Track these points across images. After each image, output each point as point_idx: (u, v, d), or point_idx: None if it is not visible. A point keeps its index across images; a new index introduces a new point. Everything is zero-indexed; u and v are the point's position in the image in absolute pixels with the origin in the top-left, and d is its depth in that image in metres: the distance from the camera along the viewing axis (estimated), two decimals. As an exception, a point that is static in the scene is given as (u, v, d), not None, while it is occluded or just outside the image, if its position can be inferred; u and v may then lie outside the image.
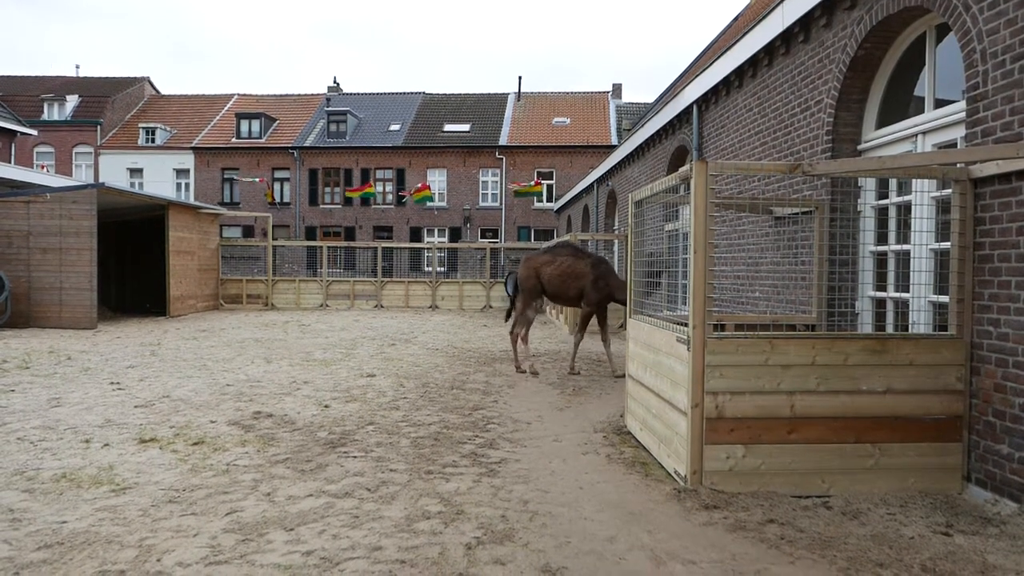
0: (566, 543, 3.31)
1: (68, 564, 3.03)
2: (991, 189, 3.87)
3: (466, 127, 36.00)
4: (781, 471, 4.01)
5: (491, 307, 21.26)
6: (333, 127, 36.03)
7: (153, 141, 36.81)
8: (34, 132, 26.99)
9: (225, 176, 35.69)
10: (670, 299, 7.03)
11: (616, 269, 6.37)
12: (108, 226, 17.54)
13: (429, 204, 32.54)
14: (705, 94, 8.82)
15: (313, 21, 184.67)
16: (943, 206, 4.54)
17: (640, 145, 13.07)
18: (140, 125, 37.32)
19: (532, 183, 26.14)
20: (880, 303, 5.35)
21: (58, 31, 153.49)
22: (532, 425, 5.84)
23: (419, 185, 28.95)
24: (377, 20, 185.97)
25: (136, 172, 36.40)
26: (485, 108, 37.80)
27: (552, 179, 33.78)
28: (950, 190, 4.15)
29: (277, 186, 35.31)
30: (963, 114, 4.20)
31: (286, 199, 35.36)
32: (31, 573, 2.95)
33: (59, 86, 39.30)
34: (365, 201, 33.98)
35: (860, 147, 5.60)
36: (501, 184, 34.17)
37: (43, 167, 31.21)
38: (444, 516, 3.64)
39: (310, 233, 34.63)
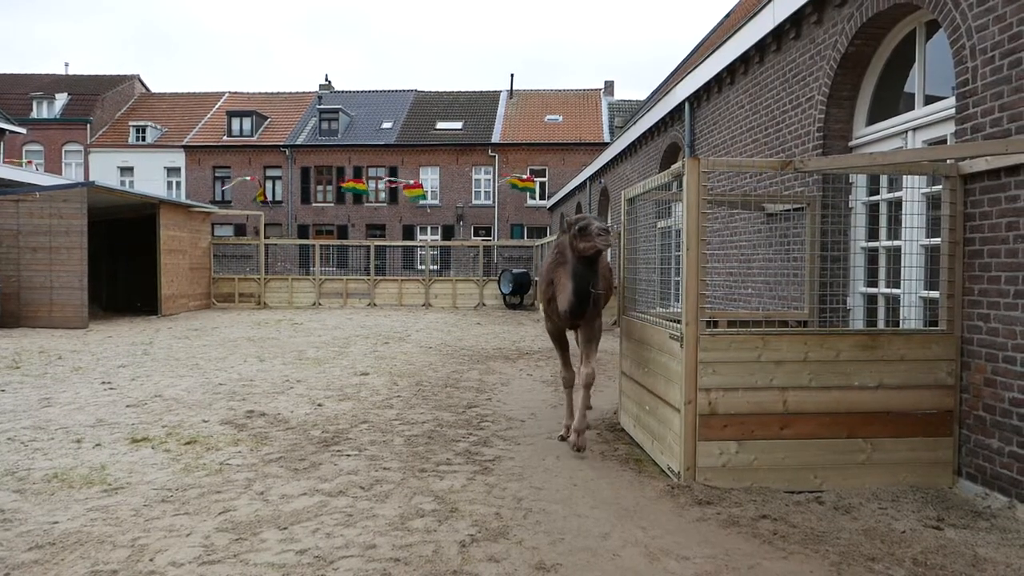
0: (560, 540, 3.32)
1: (60, 564, 3.01)
2: (981, 185, 3.90)
3: (459, 125, 35.96)
4: (774, 467, 4.02)
5: (484, 305, 21.25)
6: (325, 125, 35.94)
7: (144, 139, 36.60)
8: (23, 130, 26.77)
9: (217, 174, 35.54)
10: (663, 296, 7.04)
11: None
12: (99, 225, 17.43)
13: (422, 202, 32.50)
14: (697, 91, 8.83)
15: (295, 16, 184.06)
16: (933, 202, 4.56)
17: (633, 142, 13.08)
18: (130, 123, 37.10)
19: (524, 176, 26.17)
20: (871, 299, 5.37)
21: (44, 28, 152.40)
22: (526, 423, 5.84)
23: (411, 181, 28.93)
24: (363, 16, 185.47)
25: (127, 171, 36.19)
26: (477, 106, 37.76)
27: (545, 176, 33.79)
28: (940, 186, 4.17)
29: (269, 184, 35.18)
30: (953, 111, 4.22)
31: (278, 197, 35.23)
32: (22, 573, 2.93)
33: (48, 84, 39.01)
34: (358, 199, 33.89)
35: (851, 143, 5.63)
36: (494, 182, 34.15)
37: (30, 162, 30.91)
38: (438, 514, 3.64)
39: (303, 231, 34.53)
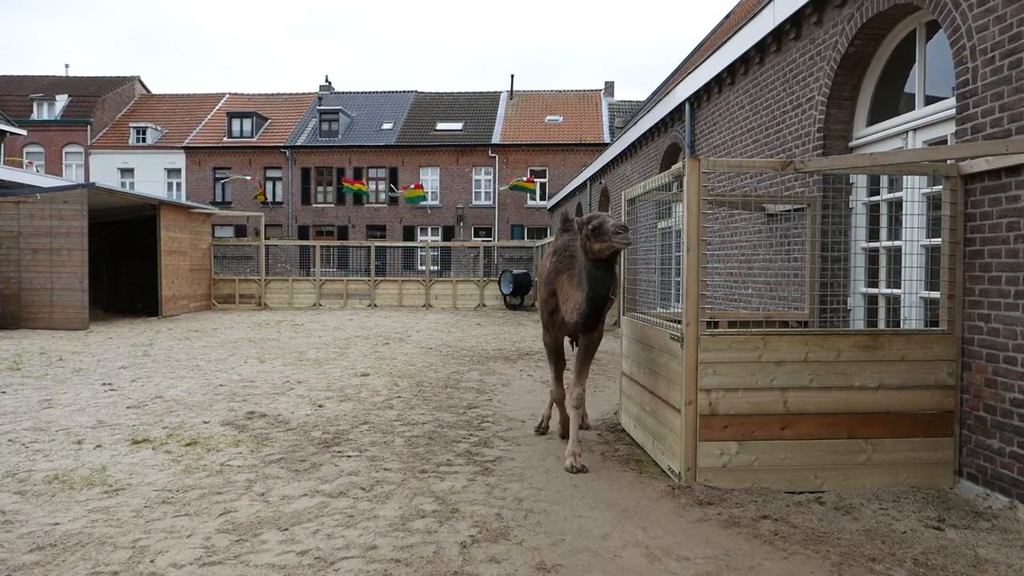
0: (560, 541, 3.32)
1: (61, 566, 3.01)
2: (981, 185, 3.90)
3: (459, 125, 35.97)
4: (774, 467, 4.02)
5: (485, 306, 21.25)
6: (325, 126, 35.95)
7: (144, 141, 36.61)
8: (23, 132, 26.78)
9: (217, 175, 35.56)
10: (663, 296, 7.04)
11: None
12: (99, 226, 17.44)
13: (422, 203, 32.52)
14: (697, 91, 8.83)
15: (295, 17, 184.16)
16: (934, 202, 4.56)
17: (633, 143, 13.08)
18: (131, 124, 37.11)
19: (524, 179, 26.23)
20: (872, 299, 5.37)
21: (44, 29, 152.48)
22: (527, 423, 5.84)
23: (413, 186, 28.95)
24: (362, 16, 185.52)
25: (127, 172, 36.21)
26: (478, 106, 37.77)
27: (545, 177, 33.80)
28: (941, 186, 4.17)
29: (269, 185, 35.19)
30: (953, 111, 4.22)
31: (278, 198, 35.24)
32: (23, 575, 2.93)
33: (48, 85, 39.01)
34: (358, 200, 33.92)
35: (851, 144, 5.63)
36: (494, 182, 34.16)
37: (31, 163, 30.92)
38: (439, 515, 3.64)
39: (303, 232, 34.53)
